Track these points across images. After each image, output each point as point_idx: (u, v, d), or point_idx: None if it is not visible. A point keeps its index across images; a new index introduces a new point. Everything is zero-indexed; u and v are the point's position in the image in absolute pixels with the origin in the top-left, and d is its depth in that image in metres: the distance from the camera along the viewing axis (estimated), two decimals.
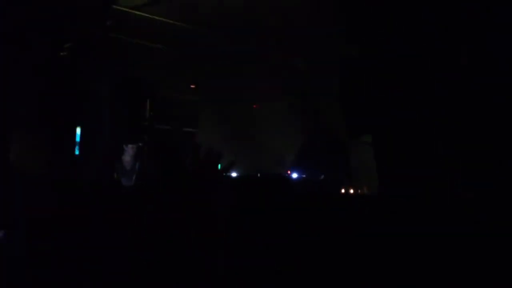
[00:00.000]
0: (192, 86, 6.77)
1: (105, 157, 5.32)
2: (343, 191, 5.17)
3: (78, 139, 5.18)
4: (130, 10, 5.54)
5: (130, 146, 4.98)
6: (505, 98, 2.45)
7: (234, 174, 2.99)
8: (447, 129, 2.66)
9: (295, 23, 5.74)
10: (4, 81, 3.83)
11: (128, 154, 4.99)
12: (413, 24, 2.74)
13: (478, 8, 2.54)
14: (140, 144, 5.02)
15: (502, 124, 2.45)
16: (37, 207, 2.84)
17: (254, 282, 2.38)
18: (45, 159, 4.04)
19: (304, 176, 3.29)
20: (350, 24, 2.99)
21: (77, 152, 5.10)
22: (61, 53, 4.63)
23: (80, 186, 3.32)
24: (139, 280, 2.55)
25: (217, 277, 2.46)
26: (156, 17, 5.72)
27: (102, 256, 2.64)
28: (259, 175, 2.97)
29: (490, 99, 2.50)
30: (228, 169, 2.77)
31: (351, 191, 5.30)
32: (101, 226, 2.76)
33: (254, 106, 7.51)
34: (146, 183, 4.31)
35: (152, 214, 2.78)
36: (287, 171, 3.58)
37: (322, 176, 3.64)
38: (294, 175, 3.22)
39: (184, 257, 2.58)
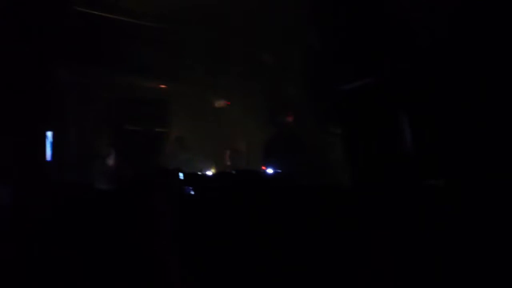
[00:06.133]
0: (162, 86, 6.73)
1: (77, 160, 5.25)
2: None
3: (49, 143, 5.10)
4: (96, 12, 5.47)
5: (106, 148, 4.93)
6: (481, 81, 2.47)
7: (209, 173, 3.00)
8: (419, 115, 2.67)
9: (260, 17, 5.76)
10: None
11: (103, 156, 4.94)
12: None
13: None
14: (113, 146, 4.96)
15: (476, 110, 2.47)
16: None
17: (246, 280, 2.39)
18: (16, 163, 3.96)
19: (279, 171, 3.30)
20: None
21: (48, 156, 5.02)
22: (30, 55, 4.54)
23: (53, 189, 3.28)
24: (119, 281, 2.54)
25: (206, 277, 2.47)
26: (123, 18, 5.66)
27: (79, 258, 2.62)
28: (234, 172, 2.98)
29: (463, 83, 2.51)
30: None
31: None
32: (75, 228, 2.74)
33: (227, 103, 7.50)
34: (120, 186, 4.27)
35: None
36: (263, 167, 3.59)
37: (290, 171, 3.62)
38: (270, 171, 3.24)
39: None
